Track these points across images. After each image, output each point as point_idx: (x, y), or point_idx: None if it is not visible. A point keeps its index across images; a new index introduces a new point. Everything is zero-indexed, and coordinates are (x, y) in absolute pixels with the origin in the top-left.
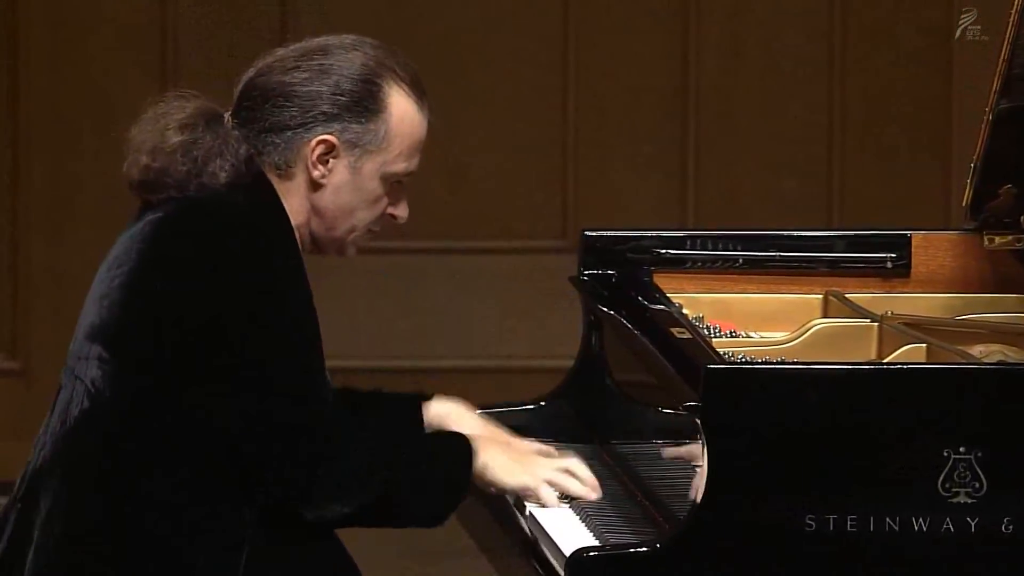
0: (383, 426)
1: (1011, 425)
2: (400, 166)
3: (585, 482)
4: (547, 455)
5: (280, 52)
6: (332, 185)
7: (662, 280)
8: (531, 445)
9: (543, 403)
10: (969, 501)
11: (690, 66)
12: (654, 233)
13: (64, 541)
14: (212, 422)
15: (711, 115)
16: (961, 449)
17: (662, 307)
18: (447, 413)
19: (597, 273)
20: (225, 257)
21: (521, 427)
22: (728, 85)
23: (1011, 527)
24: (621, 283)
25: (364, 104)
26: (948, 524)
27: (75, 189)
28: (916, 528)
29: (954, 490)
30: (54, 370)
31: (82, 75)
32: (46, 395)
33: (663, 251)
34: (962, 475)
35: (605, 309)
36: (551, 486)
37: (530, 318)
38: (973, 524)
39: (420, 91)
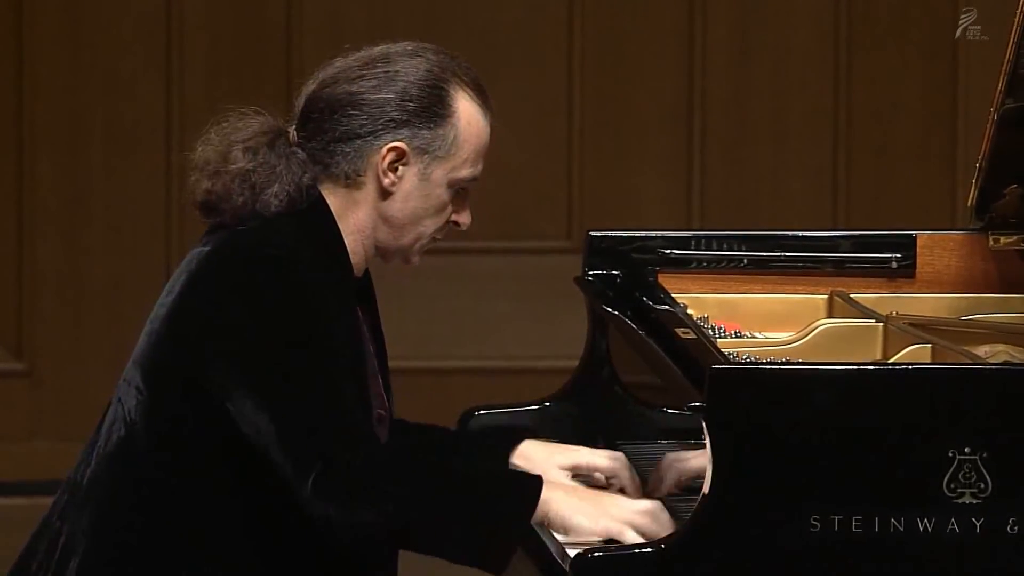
0: (440, 456)
1: (1016, 426)
2: (466, 172)
3: (663, 528)
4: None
5: (340, 63)
6: (402, 192)
7: (667, 280)
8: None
9: (548, 403)
10: (974, 502)
11: (697, 67)
12: (659, 233)
13: (102, 559)
14: (240, 452)
15: (718, 116)
16: (966, 450)
17: (667, 307)
18: (530, 455)
19: (602, 274)
20: (257, 300)
21: (525, 428)
22: (735, 86)
23: (1016, 528)
24: (626, 284)
25: (433, 109)
26: (953, 525)
27: (83, 189)
28: (921, 529)
29: (959, 491)
30: (60, 371)
31: (90, 71)
32: (52, 396)
33: (668, 251)
34: (967, 476)
35: (610, 310)
36: (633, 529)
37: (535, 319)
38: (978, 525)
39: (483, 94)
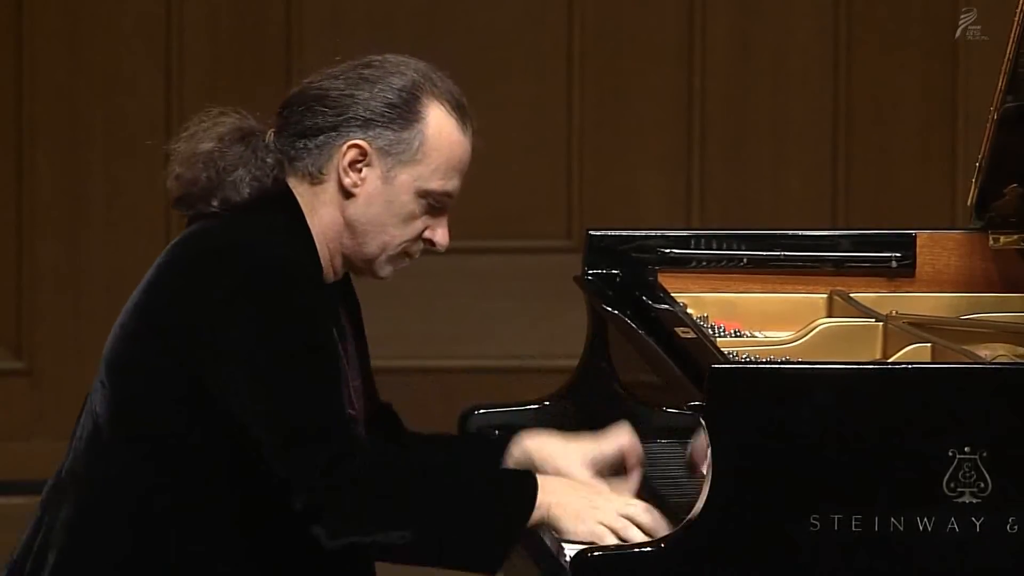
0: (439, 459)
1: (1016, 425)
2: (435, 183)
3: (649, 531)
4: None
5: (326, 69)
6: (364, 195)
7: (667, 280)
8: (601, 485)
9: (547, 403)
10: (974, 501)
11: (697, 67)
12: (659, 233)
13: (78, 554)
14: (225, 446)
15: (717, 114)
16: (966, 449)
17: (667, 307)
18: (541, 448)
19: (602, 273)
20: (245, 288)
21: (525, 427)
22: (734, 84)
23: (1016, 527)
24: (626, 283)
25: (400, 112)
26: (953, 524)
27: (83, 188)
28: (921, 528)
29: (959, 490)
30: (59, 370)
31: (90, 69)
32: (51, 395)
33: (668, 251)
34: (967, 475)
35: (610, 309)
36: (613, 532)
37: (535, 318)
38: (978, 524)
39: (462, 112)
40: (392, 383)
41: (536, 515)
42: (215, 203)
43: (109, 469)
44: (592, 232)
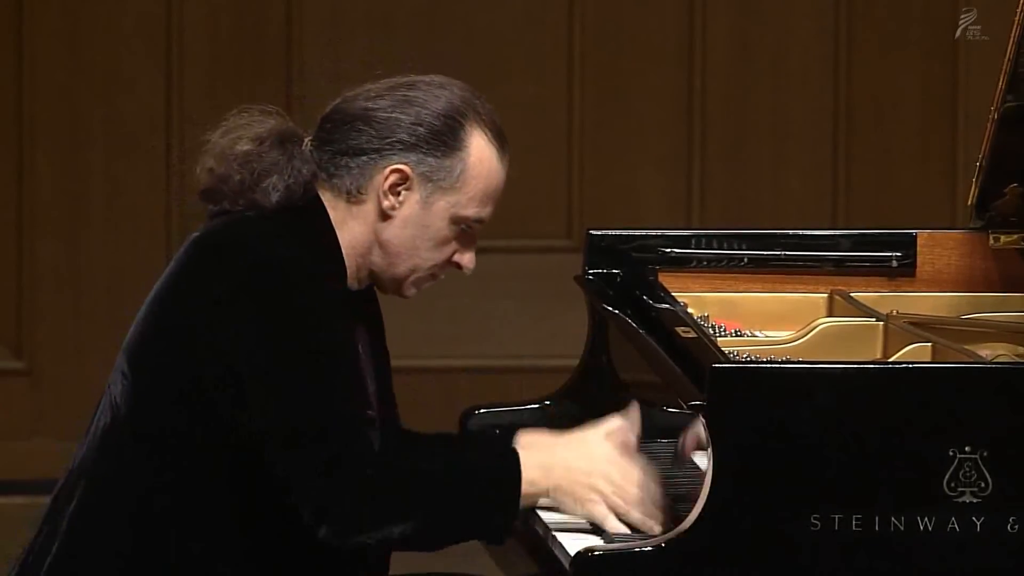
0: (426, 452)
1: (1016, 425)
2: (471, 211)
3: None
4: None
5: (368, 85)
6: (400, 217)
7: (667, 279)
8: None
9: (548, 402)
10: (974, 501)
11: (697, 67)
12: (659, 232)
13: (79, 546)
14: (226, 445)
15: (718, 114)
16: (967, 448)
17: (667, 306)
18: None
19: (602, 272)
20: (245, 288)
21: (525, 427)
22: (735, 84)
23: (1016, 527)
24: (626, 282)
25: (443, 139)
26: (953, 524)
27: (83, 189)
28: (921, 528)
29: (960, 489)
30: (59, 370)
31: (90, 69)
32: (52, 395)
33: (668, 250)
34: (968, 475)
35: (610, 308)
36: (610, 510)
37: (535, 317)
38: (979, 524)
39: (502, 140)
40: (393, 383)
41: (531, 488)
42: (242, 203)
43: (111, 466)
44: (592, 232)
